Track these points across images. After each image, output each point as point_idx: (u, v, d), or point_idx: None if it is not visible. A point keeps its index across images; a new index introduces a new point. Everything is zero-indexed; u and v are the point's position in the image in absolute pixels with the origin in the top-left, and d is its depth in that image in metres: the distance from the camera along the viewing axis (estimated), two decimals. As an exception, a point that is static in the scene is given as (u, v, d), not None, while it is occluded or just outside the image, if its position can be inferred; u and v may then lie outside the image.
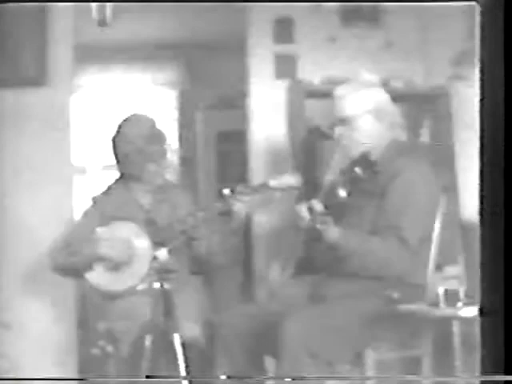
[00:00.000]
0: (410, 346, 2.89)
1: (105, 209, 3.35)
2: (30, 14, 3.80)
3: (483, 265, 2.17)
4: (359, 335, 2.78)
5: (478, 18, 2.17)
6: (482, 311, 2.18)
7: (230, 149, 5.80)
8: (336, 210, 2.76)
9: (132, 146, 3.30)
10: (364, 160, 2.77)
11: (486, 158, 2.17)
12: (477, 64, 2.18)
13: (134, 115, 3.42)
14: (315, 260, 2.94)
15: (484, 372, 2.15)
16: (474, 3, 2.17)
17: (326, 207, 2.72)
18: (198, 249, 3.30)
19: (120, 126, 3.38)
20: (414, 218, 2.82)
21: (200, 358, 3.01)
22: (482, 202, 2.19)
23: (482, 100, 2.18)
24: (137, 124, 3.36)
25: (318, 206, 2.71)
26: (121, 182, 3.44)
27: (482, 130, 2.17)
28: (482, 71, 2.18)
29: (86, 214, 3.40)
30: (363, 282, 2.82)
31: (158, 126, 3.40)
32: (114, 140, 3.38)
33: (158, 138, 3.36)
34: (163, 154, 3.37)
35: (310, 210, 2.73)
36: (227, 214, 3.04)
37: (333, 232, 2.76)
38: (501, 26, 2.15)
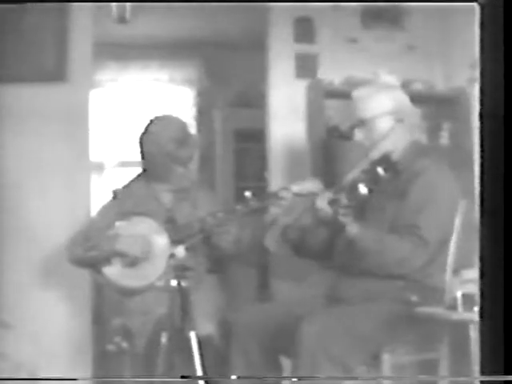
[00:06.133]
0: (428, 350, 2.87)
1: (125, 203, 3.31)
2: (50, 11, 3.80)
3: (483, 267, 2.18)
4: (376, 337, 2.75)
5: (477, 18, 2.18)
6: (481, 313, 2.18)
7: (249, 148, 5.81)
8: (356, 209, 2.76)
9: (161, 148, 3.26)
10: (385, 161, 2.75)
11: (486, 160, 2.18)
12: (477, 64, 2.18)
13: (165, 116, 3.37)
14: (334, 255, 2.95)
15: (484, 372, 2.15)
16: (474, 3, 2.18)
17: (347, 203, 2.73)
18: (217, 243, 3.28)
19: (149, 125, 3.33)
20: (433, 217, 2.81)
21: (215, 357, 3.00)
22: (481, 204, 2.19)
23: (481, 100, 2.18)
24: (168, 126, 3.31)
25: (341, 198, 2.71)
26: (143, 177, 3.41)
27: (482, 130, 2.18)
28: (482, 71, 2.18)
29: (105, 207, 3.37)
30: (381, 283, 2.81)
31: (189, 129, 3.36)
32: (141, 138, 3.33)
33: (188, 140, 3.31)
34: (191, 156, 3.33)
35: (333, 202, 2.73)
36: (249, 215, 3.03)
37: (352, 227, 2.76)
38: (501, 26, 2.16)
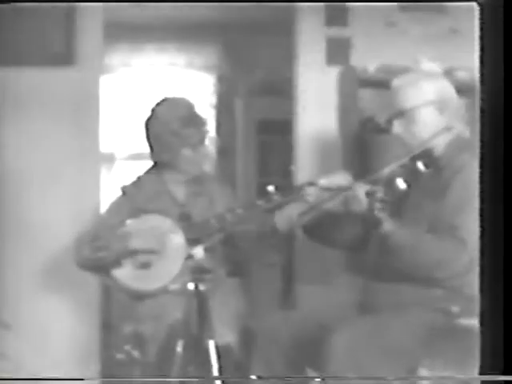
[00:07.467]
0: (468, 365, 2.63)
1: (135, 200, 3.23)
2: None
3: (483, 270, 2.19)
4: (412, 350, 2.64)
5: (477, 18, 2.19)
6: (482, 313, 2.18)
7: (273, 139, 5.80)
8: (394, 205, 2.66)
9: (166, 128, 3.17)
10: (427, 155, 2.68)
11: (486, 160, 2.19)
12: (477, 64, 2.20)
13: (169, 97, 3.30)
14: (366, 254, 2.84)
15: (484, 372, 2.15)
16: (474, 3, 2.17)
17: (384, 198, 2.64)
18: (236, 242, 3.19)
19: (154, 108, 3.26)
20: (473, 218, 2.59)
21: (234, 367, 2.92)
22: (482, 207, 2.20)
23: (482, 99, 2.19)
24: (173, 106, 3.24)
25: (378, 191, 2.60)
26: (153, 171, 3.31)
27: (483, 130, 2.18)
28: (482, 71, 2.21)
29: (115, 205, 3.28)
30: (418, 290, 2.69)
31: (197, 108, 3.26)
32: (146, 123, 3.25)
33: (195, 120, 3.22)
34: (201, 138, 3.24)
35: (369, 194, 2.62)
36: (271, 211, 2.95)
37: (388, 223, 2.65)
38: (501, 25, 2.17)
